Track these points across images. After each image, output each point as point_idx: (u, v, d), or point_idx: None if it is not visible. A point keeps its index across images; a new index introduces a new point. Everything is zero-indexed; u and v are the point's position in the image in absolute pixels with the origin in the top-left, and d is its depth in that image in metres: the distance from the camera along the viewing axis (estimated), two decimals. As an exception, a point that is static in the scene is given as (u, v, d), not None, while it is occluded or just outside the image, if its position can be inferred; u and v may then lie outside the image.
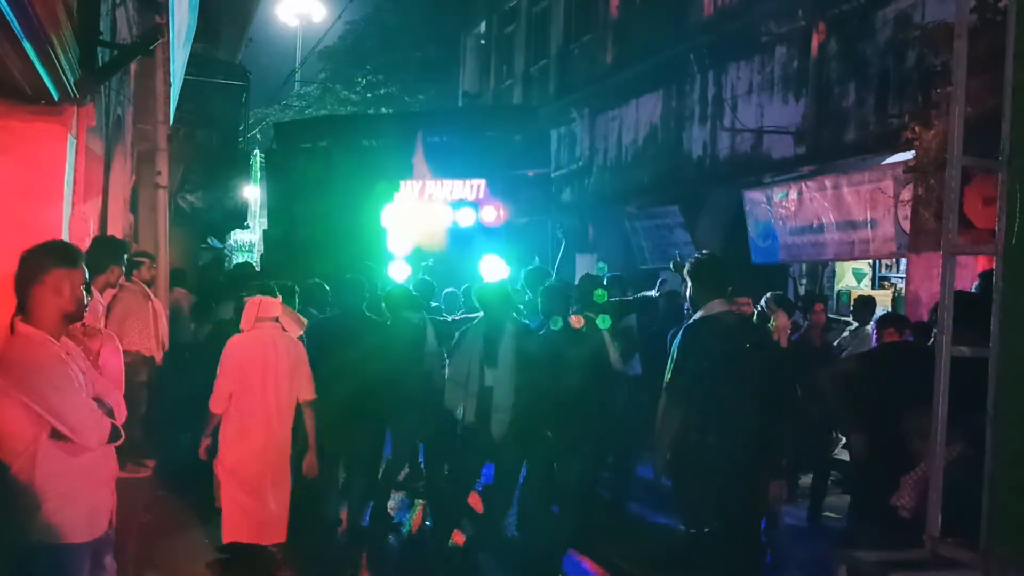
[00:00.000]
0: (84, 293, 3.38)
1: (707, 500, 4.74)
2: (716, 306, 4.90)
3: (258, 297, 5.54)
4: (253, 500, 5.42)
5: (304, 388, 5.55)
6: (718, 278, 5.05)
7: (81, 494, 3.35)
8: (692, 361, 4.78)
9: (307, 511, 7.17)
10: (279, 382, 5.42)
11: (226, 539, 5.48)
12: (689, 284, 5.07)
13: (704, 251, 5.43)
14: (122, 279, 7.07)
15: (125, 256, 6.95)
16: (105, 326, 6.05)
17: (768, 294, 7.16)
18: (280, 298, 5.65)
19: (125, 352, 6.25)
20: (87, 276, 3.42)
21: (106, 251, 6.54)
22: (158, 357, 7.26)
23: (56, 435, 3.24)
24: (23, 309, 3.30)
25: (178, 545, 6.39)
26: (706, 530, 4.87)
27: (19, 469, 3.21)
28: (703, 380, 4.73)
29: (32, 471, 3.23)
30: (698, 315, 4.97)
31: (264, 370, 5.41)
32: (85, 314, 3.47)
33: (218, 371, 5.41)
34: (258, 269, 14.45)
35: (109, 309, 6.85)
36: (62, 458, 3.28)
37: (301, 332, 5.73)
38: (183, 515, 6.97)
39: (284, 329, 5.61)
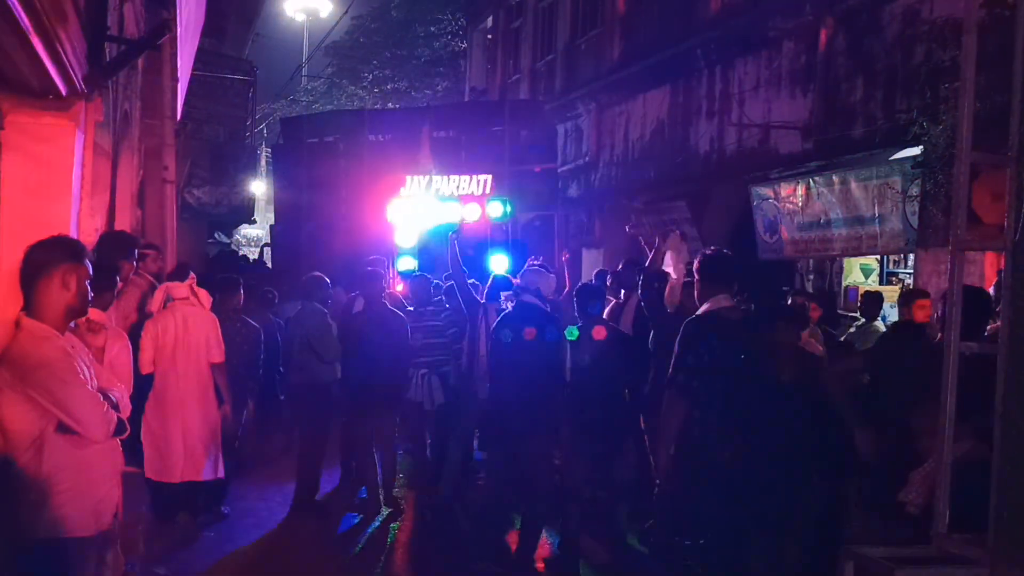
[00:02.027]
0: (88, 289, 3.40)
1: (709, 498, 4.73)
2: (720, 301, 4.90)
3: (167, 283, 6.70)
4: (166, 445, 6.34)
5: (214, 352, 6.52)
6: (724, 274, 5.05)
7: (87, 488, 3.36)
8: (691, 356, 4.78)
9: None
10: (189, 349, 6.42)
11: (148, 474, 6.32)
12: (696, 279, 5.08)
13: (711, 247, 5.41)
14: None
15: (135, 251, 6.99)
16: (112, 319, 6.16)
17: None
18: (192, 279, 6.74)
19: (131, 345, 6.46)
20: (91, 272, 3.43)
21: (116, 246, 6.56)
22: None
23: (62, 429, 3.25)
24: (28, 304, 3.31)
25: (179, 538, 6.46)
26: (701, 541, 4.87)
27: (26, 463, 3.22)
28: (702, 375, 4.73)
29: (39, 465, 3.24)
30: (702, 310, 4.98)
31: (175, 340, 6.39)
32: (88, 309, 3.48)
33: (140, 344, 6.27)
34: (269, 264, 14.51)
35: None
36: (68, 452, 3.29)
37: (208, 307, 6.66)
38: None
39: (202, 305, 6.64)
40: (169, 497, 6.47)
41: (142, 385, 6.10)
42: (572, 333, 6.32)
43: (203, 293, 6.66)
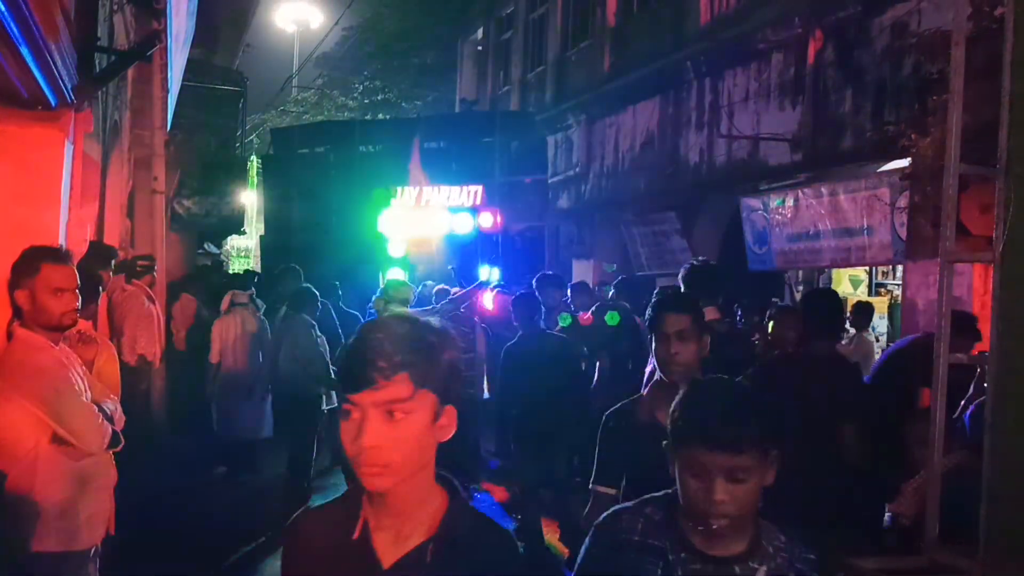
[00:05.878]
0: (52, 301, 3.28)
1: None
2: (707, 314, 4.89)
3: (232, 291, 8.59)
4: (235, 414, 8.36)
5: (266, 345, 8.27)
6: (710, 286, 5.04)
7: (81, 501, 3.33)
8: None
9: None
10: (245, 343, 8.37)
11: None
12: (682, 290, 5.08)
13: (699, 258, 5.42)
14: (121, 282, 7.09)
15: (112, 261, 6.96)
16: (120, 332, 6.42)
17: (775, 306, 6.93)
18: (252, 291, 8.73)
19: (138, 356, 6.62)
20: (60, 281, 3.33)
21: (95, 257, 6.54)
22: (157, 361, 7.32)
23: (57, 440, 3.22)
24: (17, 314, 3.28)
25: (176, 554, 6.39)
26: None
27: (18, 475, 3.19)
28: None
29: (32, 477, 3.20)
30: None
31: (235, 336, 8.34)
32: (75, 319, 3.42)
33: (211, 338, 8.41)
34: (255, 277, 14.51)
35: (110, 314, 6.89)
36: (62, 464, 3.25)
37: (260, 312, 8.70)
38: (178, 523, 6.98)
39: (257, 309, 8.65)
40: (236, 453, 8.46)
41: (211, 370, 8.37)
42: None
43: (256, 301, 8.60)
